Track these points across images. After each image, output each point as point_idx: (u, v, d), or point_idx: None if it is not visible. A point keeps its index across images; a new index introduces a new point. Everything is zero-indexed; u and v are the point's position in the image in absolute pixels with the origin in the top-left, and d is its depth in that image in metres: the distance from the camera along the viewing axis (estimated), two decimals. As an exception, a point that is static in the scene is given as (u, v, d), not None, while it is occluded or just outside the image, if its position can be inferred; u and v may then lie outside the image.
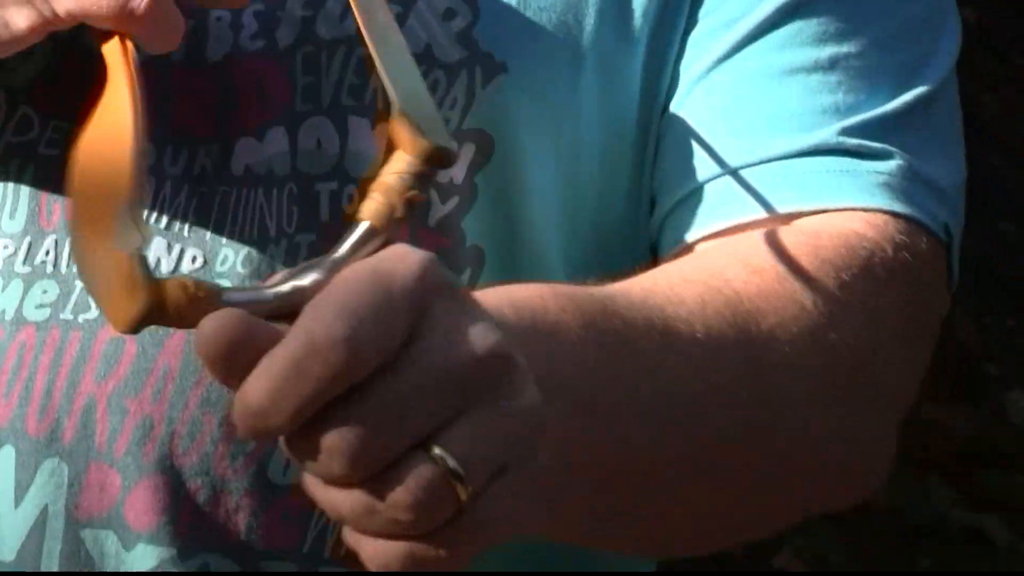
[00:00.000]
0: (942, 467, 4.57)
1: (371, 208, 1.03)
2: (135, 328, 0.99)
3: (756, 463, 1.28)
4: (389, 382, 0.93)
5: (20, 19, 1.19)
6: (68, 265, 1.32)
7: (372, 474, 0.94)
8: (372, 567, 0.98)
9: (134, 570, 1.32)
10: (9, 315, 1.31)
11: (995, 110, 5.45)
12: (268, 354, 0.91)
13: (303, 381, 0.90)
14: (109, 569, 1.32)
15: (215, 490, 1.29)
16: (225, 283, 1.26)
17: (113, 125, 1.08)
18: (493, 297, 1.10)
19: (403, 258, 0.96)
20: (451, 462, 0.94)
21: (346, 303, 0.92)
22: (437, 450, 0.94)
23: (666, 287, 1.23)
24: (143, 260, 0.98)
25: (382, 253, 0.98)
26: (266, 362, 0.91)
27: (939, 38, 1.40)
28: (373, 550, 0.98)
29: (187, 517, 1.30)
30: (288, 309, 0.96)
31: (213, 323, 0.93)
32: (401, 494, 0.94)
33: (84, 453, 1.30)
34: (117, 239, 0.99)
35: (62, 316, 1.31)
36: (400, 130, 1.03)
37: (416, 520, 0.95)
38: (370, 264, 0.96)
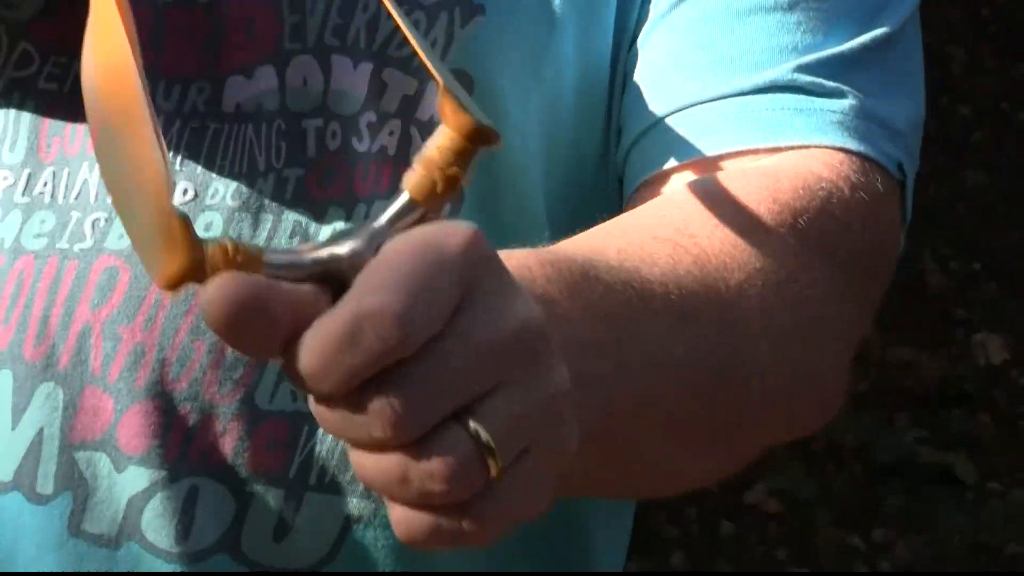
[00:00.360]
0: (910, 407, 4.65)
1: (413, 181, 1.02)
2: (175, 286, 0.98)
3: (730, 409, 1.29)
4: (435, 353, 0.93)
5: None
6: (65, 196, 1.32)
7: (409, 441, 0.94)
8: (397, 534, 0.98)
9: (124, 488, 1.32)
10: (8, 244, 1.32)
11: (963, 62, 5.53)
12: (321, 319, 0.91)
13: (356, 352, 0.90)
14: (101, 489, 1.32)
15: (204, 415, 1.30)
16: (215, 216, 1.28)
17: (115, 62, 1.07)
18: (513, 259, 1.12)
19: (452, 233, 0.95)
20: (484, 436, 0.95)
21: (400, 277, 0.92)
22: (473, 423, 0.95)
23: (639, 247, 1.24)
24: (186, 219, 0.97)
25: (430, 227, 0.97)
26: (320, 327, 0.91)
27: None
28: (400, 517, 0.98)
29: (177, 441, 1.30)
30: (324, 275, 0.96)
31: (224, 287, 0.94)
32: (436, 464, 0.94)
33: (79, 378, 1.31)
34: (152, 181, 0.99)
35: (59, 245, 1.31)
36: (445, 107, 1.03)
37: (447, 491, 0.94)
38: (420, 237, 0.95)
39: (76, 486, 1.31)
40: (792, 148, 1.30)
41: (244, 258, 0.96)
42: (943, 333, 4.95)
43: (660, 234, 1.24)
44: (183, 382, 1.29)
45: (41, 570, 1.33)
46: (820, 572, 4.34)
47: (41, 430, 1.30)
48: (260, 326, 0.90)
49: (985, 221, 5.18)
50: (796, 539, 4.44)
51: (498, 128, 1.21)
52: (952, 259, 4.97)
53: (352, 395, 0.92)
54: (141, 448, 1.29)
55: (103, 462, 1.30)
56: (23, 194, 1.31)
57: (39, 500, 1.32)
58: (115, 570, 1.33)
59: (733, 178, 1.28)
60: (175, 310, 1.29)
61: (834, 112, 1.30)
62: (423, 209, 0.99)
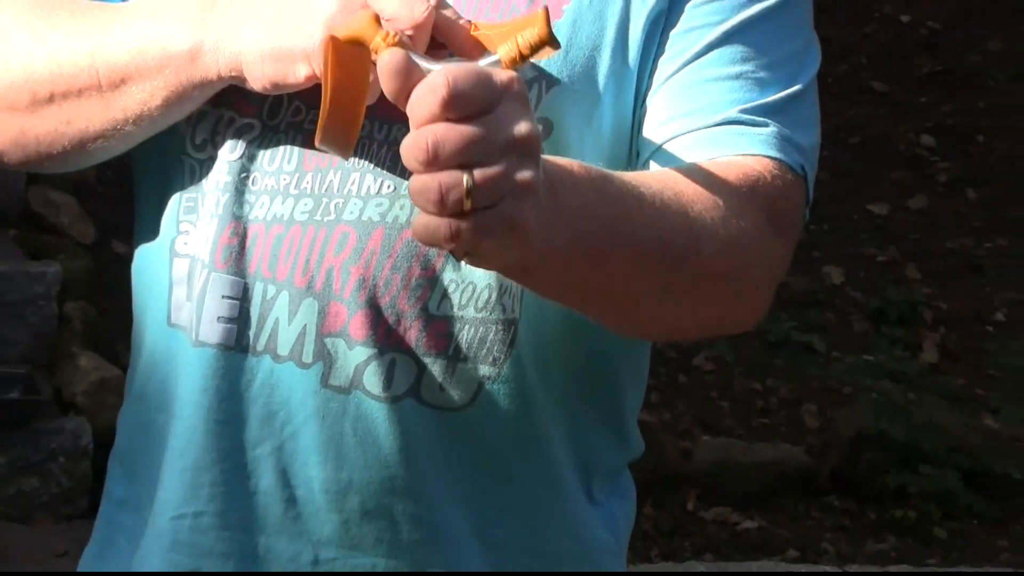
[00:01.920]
0: (788, 307, 5.71)
1: (504, 49, 1.34)
2: (350, 42, 1.38)
3: (683, 276, 1.51)
4: (468, 125, 1.26)
5: (301, 71, 1.48)
6: (319, 189, 1.55)
7: (433, 166, 1.26)
8: (412, 229, 1.30)
9: (352, 359, 1.56)
10: (286, 218, 1.55)
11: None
12: (418, 85, 1.26)
13: (422, 105, 1.25)
14: (339, 360, 1.56)
15: (398, 317, 1.55)
16: (406, 201, 1.53)
17: (355, 95, 1.42)
18: (549, 157, 1.38)
19: (505, 72, 1.29)
20: (468, 183, 1.25)
21: (456, 74, 1.26)
22: (467, 174, 1.26)
23: (644, 179, 1.49)
24: (377, 18, 1.39)
25: (498, 68, 1.31)
26: (416, 90, 1.26)
27: (808, 59, 1.63)
28: (417, 219, 1.29)
29: (382, 331, 1.55)
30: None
31: (387, 55, 1.30)
32: (437, 184, 1.26)
33: (327, 296, 1.55)
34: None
35: (315, 218, 1.55)
36: (541, 18, 1.34)
37: (438, 203, 1.26)
38: (488, 68, 1.29)
39: (325, 358, 1.55)
40: (738, 155, 1.55)
41: (399, 43, 1.35)
42: (806, 265, 5.88)
43: (658, 178, 1.51)
44: (386, 298, 1.54)
45: (304, 410, 1.56)
46: (737, 408, 5.30)
47: (304, 326, 1.55)
48: (401, 78, 1.28)
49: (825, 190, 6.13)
50: (723, 386, 5.46)
51: (565, 151, 1.52)
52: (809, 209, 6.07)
53: (421, 130, 1.25)
54: (362, 336, 1.55)
55: (340, 344, 1.55)
56: (294, 188, 1.55)
57: (303, 366, 1.56)
58: (347, 410, 1.56)
59: (705, 164, 1.54)
60: (383, 256, 1.54)
61: (762, 135, 1.56)
62: (502, 66, 1.33)
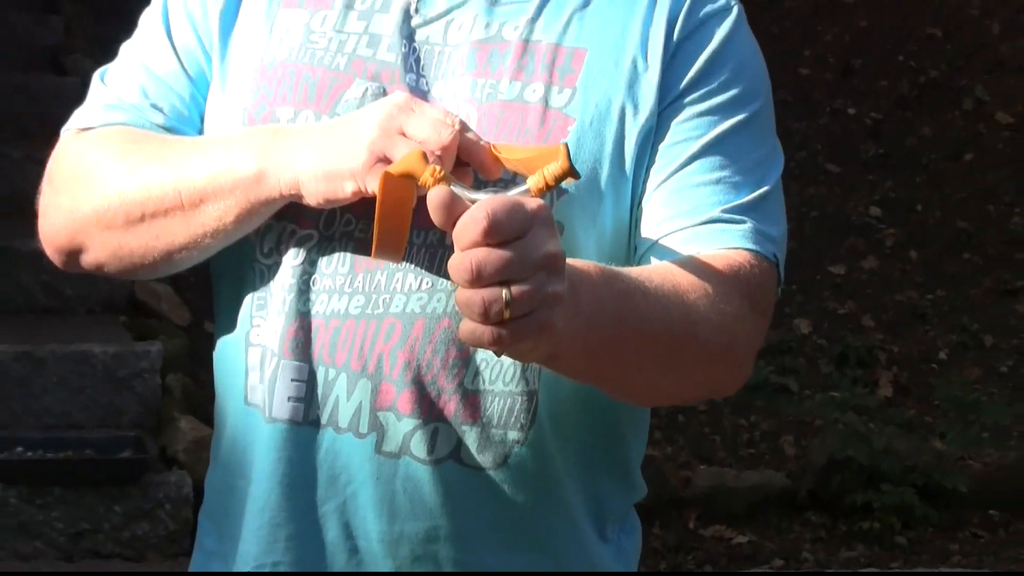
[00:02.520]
0: (763, 355, 5.66)
1: (533, 180, 1.36)
2: (404, 177, 1.38)
3: (681, 356, 1.51)
4: (505, 249, 1.26)
5: (348, 188, 1.49)
6: (369, 287, 1.55)
7: (476, 283, 1.26)
8: (459, 333, 1.30)
9: (401, 429, 1.55)
10: (341, 312, 1.55)
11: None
12: (463, 216, 1.26)
13: (466, 234, 1.26)
14: (390, 430, 1.55)
15: (439, 392, 1.54)
16: (443, 285, 1.52)
17: (402, 217, 1.43)
18: (569, 260, 1.37)
19: (534, 201, 1.31)
20: (507, 296, 1.26)
21: (494, 206, 1.26)
22: (505, 290, 1.26)
23: (647, 273, 1.49)
24: (424, 155, 1.39)
25: (526, 197, 1.32)
26: (462, 219, 1.27)
27: (774, 163, 1.62)
28: (463, 325, 1.29)
29: (426, 405, 1.54)
30: (474, 201, 1.28)
31: (436, 191, 1.30)
32: (480, 299, 1.26)
33: (378, 377, 1.54)
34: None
35: (366, 312, 1.54)
36: (563, 152, 1.37)
37: (481, 313, 1.26)
38: (517, 197, 1.31)
39: (378, 429, 1.55)
40: (722, 249, 1.55)
41: (443, 177, 1.36)
42: (779, 319, 5.86)
43: (658, 271, 1.52)
44: (428, 377, 1.54)
45: (361, 473, 1.56)
46: (727, 441, 5.34)
47: (360, 402, 1.55)
48: (447, 211, 1.29)
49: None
50: (714, 423, 5.47)
51: (575, 250, 1.52)
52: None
53: (464, 255, 1.26)
54: (409, 410, 1.55)
55: (391, 417, 1.55)
56: (348, 287, 1.56)
57: (360, 437, 1.56)
58: (397, 472, 1.56)
59: (695, 258, 1.54)
60: (424, 342, 1.54)
61: (740, 231, 1.55)
62: (531, 195, 1.35)
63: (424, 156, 1.37)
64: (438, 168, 1.35)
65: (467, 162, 1.49)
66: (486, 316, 1.26)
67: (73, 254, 1.64)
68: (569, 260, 1.37)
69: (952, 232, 6.53)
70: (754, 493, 5.15)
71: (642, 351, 1.47)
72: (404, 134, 1.46)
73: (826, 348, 5.85)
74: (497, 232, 1.26)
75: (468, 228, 1.26)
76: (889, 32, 7.50)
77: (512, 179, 1.50)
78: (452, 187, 1.32)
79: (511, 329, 1.27)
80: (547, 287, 1.28)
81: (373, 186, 1.45)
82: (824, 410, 5.48)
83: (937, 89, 7.26)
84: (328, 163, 1.48)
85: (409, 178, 1.41)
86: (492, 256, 1.25)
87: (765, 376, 5.62)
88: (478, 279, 1.25)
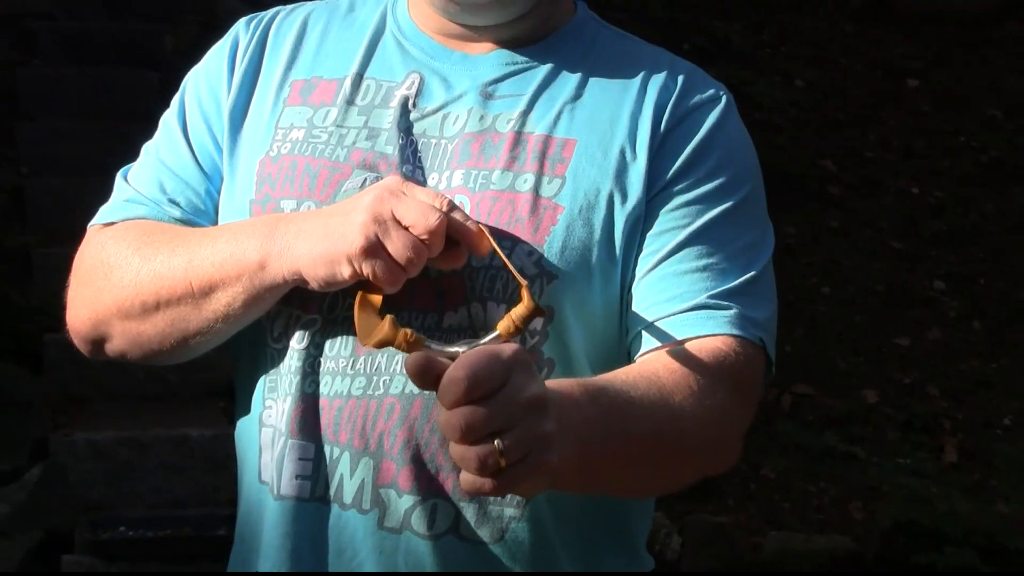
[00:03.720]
0: (832, 425, 5.64)
1: (502, 324, 1.34)
2: (379, 347, 1.36)
3: (670, 457, 1.50)
4: (488, 404, 1.24)
5: (345, 271, 1.47)
6: (368, 368, 1.53)
7: (466, 441, 1.24)
8: (462, 487, 1.28)
9: (402, 505, 1.52)
10: (344, 393, 1.53)
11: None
12: (442, 380, 1.23)
13: (448, 395, 1.23)
14: (391, 506, 1.52)
15: (437, 469, 1.51)
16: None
17: (375, 295, 1.46)
18: (553, 383, 1.37)
19: (509, 348, 1.28)
20: (500, 447, 1.23)
21: (471, 362, 1.24)
22: (498, 441, 1.24)
23: (631, 381, 1.46)
24: (394, 320, 1.35)
25: (502, 344, 1.30)
26: (441, 382, 1.23)
27: (762, 247, 1.59)
28: (463, 476, 1.27)
29: (425, 482, 1.51)
30: (452, 359, 1.25)
31: (411, 359, 1.26)
32: (475, 455, 1.24)
33: (380, 455, 1.52)
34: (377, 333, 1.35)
35: (367, 393, 1.52)
36: (525, 294, 1.34)
37: (479, 468, 1.24)
38: (492, 347, 1.27)
39: (380, 505, 1.53)
40: (707, 336, 1.52)
41: (415, 339, 1.34)
42: (847, 390, 5.85)
43: (642, 374, 1.48)
44: (427, 454, 1.52)
45: (365, 547, 1.53)
46: (796, 507, 5.26)
47: (363, 480, 1.53)
48: (426, 375, 1.26)
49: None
50: (784, 490, 5.33)
51: (566, 333, 1.51)
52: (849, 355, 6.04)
53: (451, 414, 1.24)
54: (409, 487, 1.52)
55: (392, 494, 1.53)
56: (351, 369, 1.54)
57: (363, 512, 1.54)
58: (399, 547, 1.52)
59: (680, 351, 1.51)
60: (422, 420, 1.52)
61: (726, 317, 1.53)
62: (503, 339, 1.33)
63: (394, 322, 1.35)
64: (410, 332, 1.33)
65: (457, 240, 1.48)
66: (483, 469, 1.24)
67: (98, 343, 1.64)
68: (554, 384, 1.36)
69: (1014, 302, 6.47)
70: (822, 556, 5.04)
71: (633, 459, 1.45)
72: (396, 217, 1.45)
73: (892, 416, 5.75)
74: (478, 388, 1.24)
75: (450, 389, 1.24)
76: (950, 115, 7.48)
77: (482, 327, 1.49)
78: (426, 346, 1.31)
79: (509, 476, 1.25)
80: (536, 429, 1.27)
81: (367, 271, 1.46)
82: (890, 475, 5.38)
83: (998, 167, 7.22)
84: (324, 248, 1.47)
85: (376, 307, 1.43)
86: (478, 413, 1.23)
87: (833, 444, 5.54)
88: (467, 436, 1.24)
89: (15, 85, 6.26)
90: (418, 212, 1.44)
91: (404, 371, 1.48)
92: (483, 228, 1.48)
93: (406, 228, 1.45)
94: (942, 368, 6.08)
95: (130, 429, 4.80)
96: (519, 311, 1.33)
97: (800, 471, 5.43)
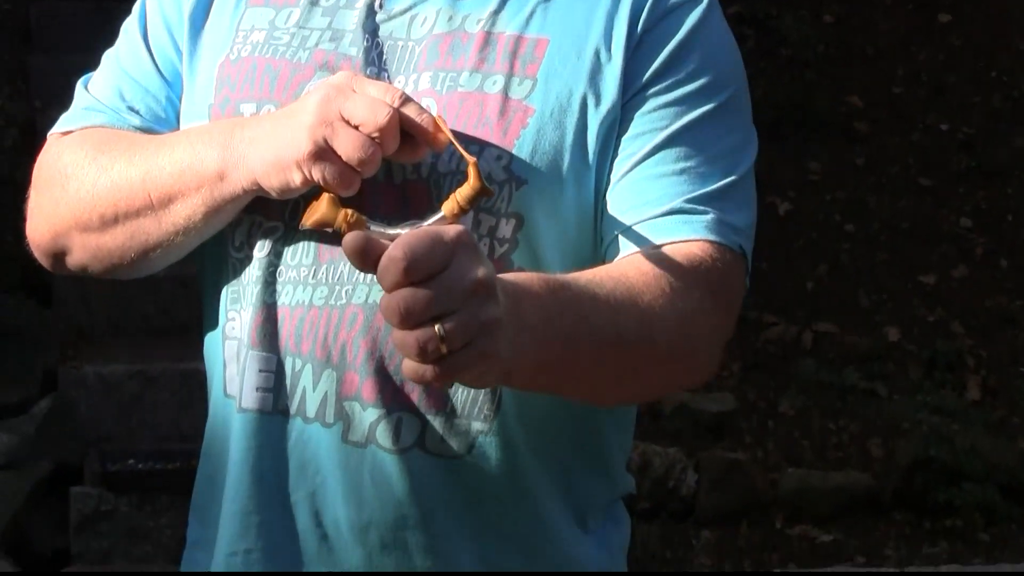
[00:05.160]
0: (853, 362, 5.63)
1: (447, 205, 1.31)
2: (317, 227, 1.37)
3: (636, 362, 1.46)
4: (430, 285, 1.20)
5: (296, 178, 1.43)
6: (331, 278, 1.50)
7: (406, 324, 1.21)
8: (403, 372, 1.26)
9: (366, 419, 1.49)
10: (306, 303, 1.50)
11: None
12: (382, 259, 1.20)
13: (387, 276, 1.20)
14: (355, 419, 1.49)
15: (402, 380, 1.48)
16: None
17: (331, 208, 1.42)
18: (510, 274, 1.35)
19: (452, 228, 1.24)
20: (441, 331, 1.20)
21: (411, 243, 1.20)
22: (438, 326, 1.20)
23: (598, 277, 1.43)
24: (334, 199, 1.33)
25: (446, 225, 1.26)
26: (381, 262, 1.20)
27: (744, 152, 1.55)
28: (404, 364, 1.25)
29: (389, 394, 1.49)
30: (393, 238, 1.22)
31: (349, 238, 1.22)
32: (415, 340, 1.21)
33: (343, 366, 1.49)
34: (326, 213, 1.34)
35: (330, 303, 1.50)
36: (471, 172, 1.30)
37: (420, 354, 1.21)
38: (434, 227, 1.24)
39: (344, 418, 1.51)
40: (682, 241, 1.49)
41: (357, 220, 1.32)
42: (869, 327, 5.83)
43: (610, 274, 1.45)
44: (391, 366, 1.48)
45: (329, 462, 1.50)
46: (815, 444, 5.36)
47: (326, 392, 1.50)
48: (365, 256, 1.22)
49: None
50: (803, 427, 5.35)
51: (536, 240, 1.47)
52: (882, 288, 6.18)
53: (390, 298, 1.20)
54: (373, 399, 1.50)
55: (356, 407, 1.50)
56: (312, 278, 1.51)
57: (327, 426, 1.51)
58: (364, 461, 1.49)
59: (652, 253, 1.48)
60: (385, 331, 1.47)
61: (703, 222, 1.49)
62: (448, 221, 1.29)
63: (334, 201, 1.32)
64: (350, 212, 1.30)
65: (412, 134, 1.44)
66: (424, 355, 1.21)
67: (58, 256, 1.63)
68: (511, 276, 1.33)
69: (1042, 241, 6.40)
70: (840, 494, 5.04)
71: (596, 360, 1.41)
72: (343, 116, 1.41)
73: (915, 354, 5.72)
74: (418, 269, 1.20)
75: (388, 270, 1.21)
76: (981, 50, 7.39)
77: (428, 210, 1.45)
78: (368, 227, 1.27)
79: (452, 363, 1.22)
80: (481, 315, 1.23)
81: (318, 175, 1.43)
82: (911, 413, 5.34)
83: (1029, 102, 7.16)
84: (274, 155, 1.44)
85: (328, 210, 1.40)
86: (418, 295, 1.20)
87: (854, 381, 5.51)
88: (407, 320, 1.21)
89: (28, 19, 6.25)
90: (367, 109, 1.40)
91: (367, 280, 1.47)
92: (439, 120, 1.43)
93: (356, 127, 1.41)
94: (967, 305, 6.03)
95: (139, 362, 4.84)
96: (464, 191, 1.30)
97: (820, 408, 5.42)
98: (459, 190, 1.30)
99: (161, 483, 4.51)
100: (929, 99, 7.12)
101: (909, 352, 5.74)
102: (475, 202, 1.30)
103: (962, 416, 5.34)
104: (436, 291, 1.21)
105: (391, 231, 1.27)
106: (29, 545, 4.49)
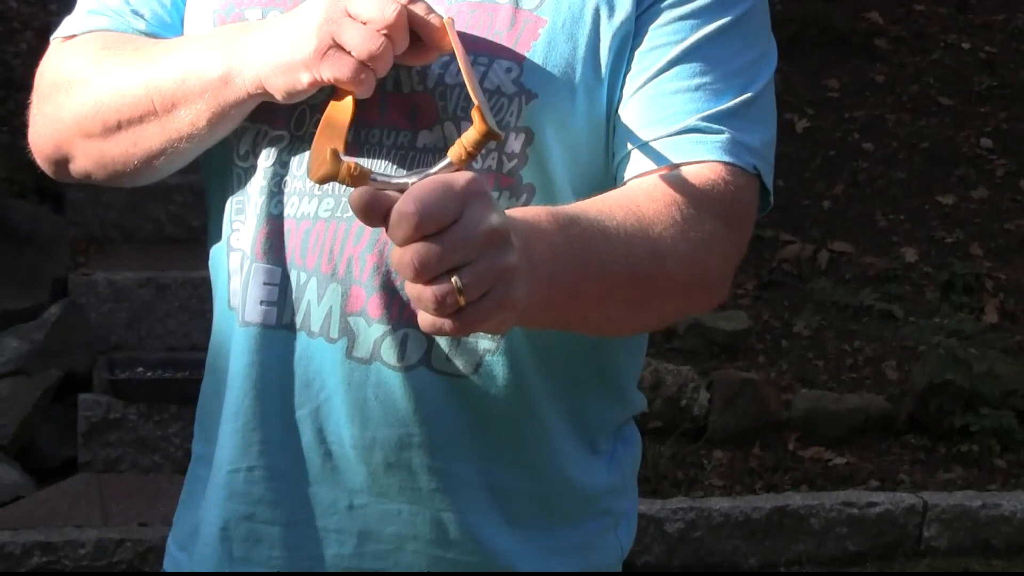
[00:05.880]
0: (870, 282, 5.60)
1: (453, 151, 1.25)
2: (322, 182, 1.30)
3: (649, 293, 1.42)
4: (442, 238, 1.16)
5: (304, 79, 1.40)
6: (339, 190, 1.46)
7: (422, 278, 1.17)
8: (420, 325, 1.22)
9: (371, 335, 1.46)
10: (311, 215, 1.46)
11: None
12: (391, 213, 1.16)
13: (399, 231, 1.16)
14: (360, 335, 1.46)
15: (408, 297, 1.31)
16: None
17: (343, 113, 1.38)
18: (518, 211, 1.31)
19: (462, 176, 1.19)
20: (458, 284, 1.17)
21: (421, 194, 1.16)
22: (455, 278, 1.17)
23: (608, 208, 1.39)
24: (335, 152, 1.26)
25: (453, 173, 1.21)
26: (391, 216, 1.16)
27: (762, 67, 1.51)
28: (421, 317, 1.21)
29: (396, 310, 1.46)
30: (401, 191, 1.18)
31: (355, 194, 1.18)
32: (432, 293, 1.18)
33: (348, 281, 1.46)
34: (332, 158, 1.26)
35: (336, 215, 1.46)
36: (476, 116, 1.23)
37: (436, 307, 1.18)
38: (445, 175, 1.19)
39: (349, 334, 1.47)
40: (695, 162, 1.45)
41: (361, 172, 1.24)
42: (886, 247, 5.79)
43: (621, 203, 1.40)
44: (398, 281, 1.45)
45: (333, 379, 1.47)
46: (830, 365, 5.30)
47: (331, 307, 1.47)
48: (373, 212, 1.18)
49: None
50: (818, 348, 5.29)
51: (546, 155, 1.44)
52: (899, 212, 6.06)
53: (404, 252, 1.17)
54: (379, 314, 1.46)
55: (361, 322, 1.47)
56: (318, 189, 1.47)
57: (331, 341, 1.48)
58: (368, 378, 1.46)
59: (664, 178, 1.44)
60: (392, 246, 1.31)
61: (718, 143, 1.45)
62: (456, 168, 1.23)
63: (336, 154, 1.26)
64: (354, 164, 1.24)
65: (419, 36, 1.39)
66: (441, 309, 1.17)
67: (61, 163, 1.58)
68: (519, 214, 1.29)
69: (1063, 163, 6.31)
70: (854, 416, 5.02)
71: (607, 294, 1.37)
72: (350, 14, 1.36)
73: (932, 275, 5.67)
74: (430, 222, 1.15)
75: (400, 225, 1.15)
76: (1007, -33, 7.30)
77: (435, 157, 1.42)
78: (372, 179, 1.22)
79: (471, 314, 1.18)
80: (497, 263, 1.19)
81: (327, 74, 1.38)
82: (927, 335, 5.28)
83: (1055, 22, 7.06)
84: (282, 55, 1.39)
85: (345, 104, 1.36)
86: (432, 249, 1.15)
87: (870, 302, 5.45)
88: (422, 274, 1.16)
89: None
90: (375, 5, 1.35)
91: None
92: (449, 21, 1.38)
93: (364, 24, 1.36)
94: (986, 227, 5.98)
95: (150, 270, 4.80)
96: (470, 135, 1.23)
97: (835, 329, 5.38)
98: (465, 135, 1.24)
99: (170, 392, 4.49)
100: (951, 17, 7.06)
101: (926, 274, 5.69)
102: (482, 146, 1.24)
103: (979, 340, 5.29)
104: (450, 243, 1.16)
105: (397, 180, 1.23)
106: (37, 452, 4.49)
